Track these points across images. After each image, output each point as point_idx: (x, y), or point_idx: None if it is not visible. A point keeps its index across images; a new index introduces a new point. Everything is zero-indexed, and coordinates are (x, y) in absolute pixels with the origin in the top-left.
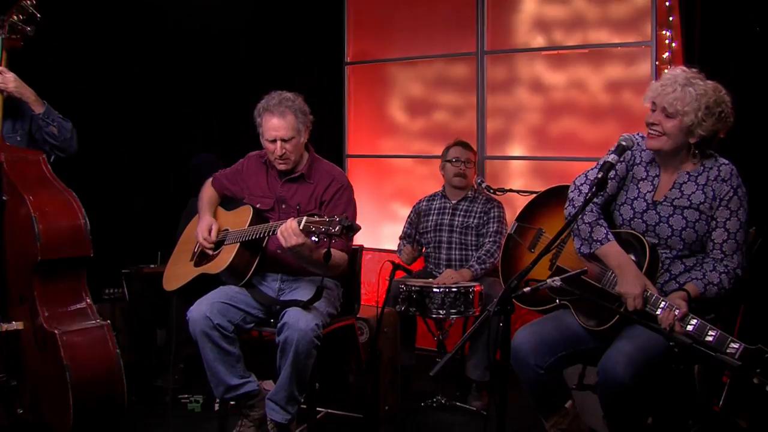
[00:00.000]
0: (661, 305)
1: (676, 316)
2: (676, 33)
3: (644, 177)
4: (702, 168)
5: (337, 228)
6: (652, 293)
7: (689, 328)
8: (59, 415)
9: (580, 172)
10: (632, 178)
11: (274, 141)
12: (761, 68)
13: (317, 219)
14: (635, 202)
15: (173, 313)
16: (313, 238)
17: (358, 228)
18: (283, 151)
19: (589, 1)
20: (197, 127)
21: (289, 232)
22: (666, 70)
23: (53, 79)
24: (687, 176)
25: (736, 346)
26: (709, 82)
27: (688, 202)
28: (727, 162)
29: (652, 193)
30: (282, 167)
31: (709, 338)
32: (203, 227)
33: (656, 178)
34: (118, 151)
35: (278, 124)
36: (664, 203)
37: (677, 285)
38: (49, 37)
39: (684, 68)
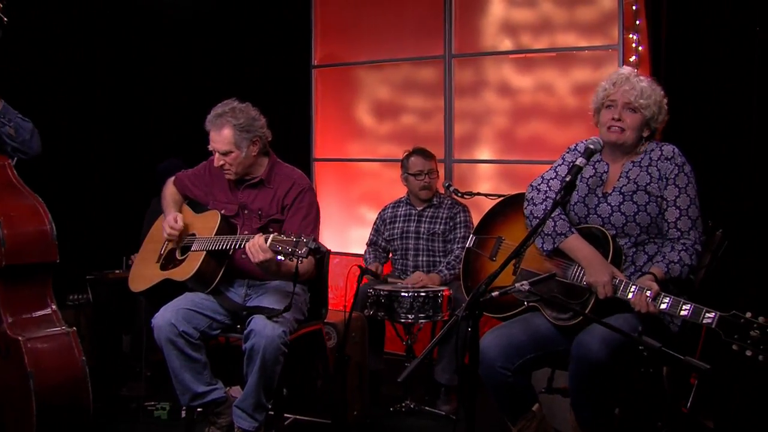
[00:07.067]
0: (632, 289)
1: (648, 297)
2: (642, 37)
3: (593, 174)
4: (644, 153)
5: (304, 250)
6: (621, 280)
7: (663, 306)
8: (22, 423)
9: None
10: (581, 178)
11: (214, 152)
12: (726, 71)
13: (284, 238)
14: (587, 198)
15: (140, 318)
16: (279, 258)
17: (326, 251)
18: (222, 162)
19: (556, 4)
20: (162, 131)
21: (256, 248)
22: (614, 74)
23: (16, 82)
24: (631, 164)
25: (711, 315)
26: (645, 77)
27: (635, 186)
28: (668, 143)
29: (602, 187)
30: (227, 177)
31: (684, 312)
32: (169, 220)
33: (605, 174)
34: (82, 156)
35: (213, 137)
36: (613, 193)
37: (643, 275)
38: (11, 40)
39: (626, 68)
